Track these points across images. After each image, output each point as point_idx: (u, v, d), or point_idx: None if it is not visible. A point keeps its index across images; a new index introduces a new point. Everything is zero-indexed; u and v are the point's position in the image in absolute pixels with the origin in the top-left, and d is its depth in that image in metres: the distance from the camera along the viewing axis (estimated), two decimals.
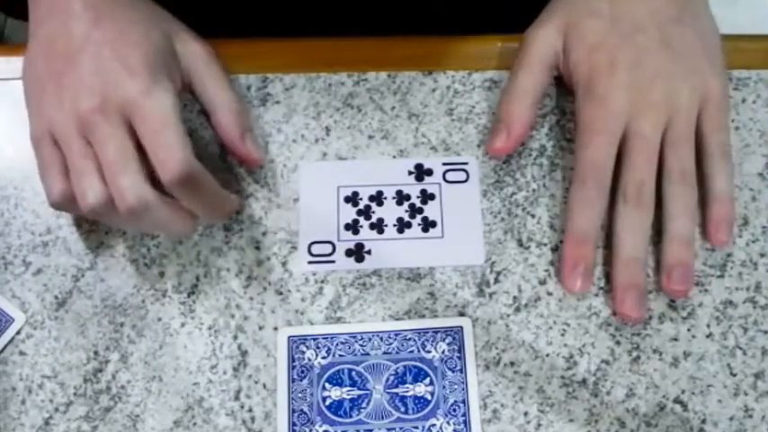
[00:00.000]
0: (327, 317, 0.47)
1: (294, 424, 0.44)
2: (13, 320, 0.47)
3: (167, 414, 0.45)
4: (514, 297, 0.47)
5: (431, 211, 0.49)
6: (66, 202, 0.44)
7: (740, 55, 0.52)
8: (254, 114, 0.51)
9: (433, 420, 0.44)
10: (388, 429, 0.44)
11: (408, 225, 0.48)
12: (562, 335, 0.46)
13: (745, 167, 0.50)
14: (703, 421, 0.44)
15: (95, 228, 0.49)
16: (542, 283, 0.47)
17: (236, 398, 0.45)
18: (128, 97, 0.43)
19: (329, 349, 0.46)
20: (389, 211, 0.49)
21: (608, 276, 0.47)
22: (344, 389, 0.45)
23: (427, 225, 0.48)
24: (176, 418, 0.45)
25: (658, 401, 0.45)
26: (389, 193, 0.49)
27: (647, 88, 0.46)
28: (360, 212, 0.49)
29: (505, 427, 0.44)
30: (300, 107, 0.51)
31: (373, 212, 0.49)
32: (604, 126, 0.46)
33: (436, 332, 0.46)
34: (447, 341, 0.46)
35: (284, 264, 0.48)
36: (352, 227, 0.48)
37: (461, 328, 0.46)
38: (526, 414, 0.44)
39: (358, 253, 0.48)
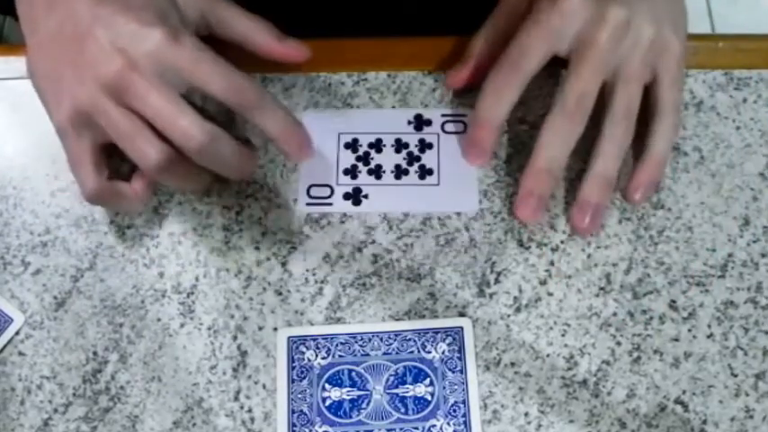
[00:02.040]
0: (327, 317, 0.47)
1: (294, 425, 0.44)
2: (12, 321, 0.47)
3: (167, 415, 0.45)
4: (515, 297, 0.47)
5: (428, 159, 0.50)
6: (102, 196, 0.44)
7: (740, 55, 0.52)
8: None
9: (433, 421, 0.44)
10: (389, 430, 0.44)
11: (406, 172, 0.49)
12: (563, 335, 0.46)
13: (746, 167, 0.50)
14: (704, 422, 0.44)
15: (95, 228, 0.48)
16: (543, 283, 0.47)
17: (236, 398, 0.45)
18: (154, 47, 0.42)
19: (329, 350, 0.46)
20: (388, 158, 0.50)
21: (608, 277, 0.47)
22: (344, 389, 0.45)
23: (424, 173, 0.49)
24: (176, 419, 0.45)
25: (659, 402, 0.45)
26: (388, 141, 0.50)
27: (610, 5, 0.44)
28: (359, 158, 0.50)
29: (506, 428, 0.44)
30: (300, 107, 0.51)
31: (372, 159, 0.50)
32: (548, 20, 0.45)
33: (436, 333, 0.46)
34: (447, 342, 0.46)
35: (284, 264, 0.48)
36: (351, 172, 0.49)
37: (461, 328, 0.46)
38: (526, 415, 0.44)
39: (355, 197, 0.49)
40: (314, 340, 0.46)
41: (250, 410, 0.45)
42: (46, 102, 0.45)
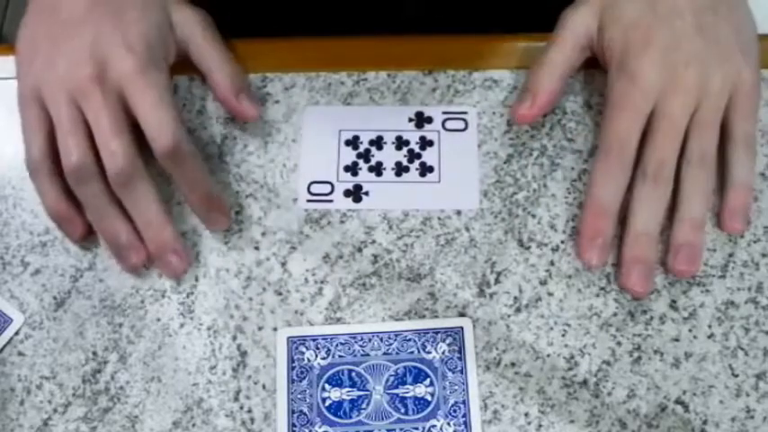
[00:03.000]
0: (327, 317, 0.46)
1: (294, 425, 0.44)
2: (12, 321, 0.47)
3: (166, 415, 0.45)
4: (515, 297, 0.47)
5: (429, 157, 0.50)
6: (41, 165, 0.46)
7: None
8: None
9: (433, 421, 0.44)
10: (389, 430, 0.44)
11: (406, 169, 0.49)
12: (563, 335, 0.46)
13: None
14: (705, 422, 0.44)
15: (94, 228, 0.48)
16: (543, 283, 0.47)
17: (236, 399, 0.45)
18: (124, 72, 0.45)
19: (329, 350, 0.45)
20: (388, 156, 0.50)
21: (608, 277, 0.47)
22: (344, 390, 0.45)
23: (425, 170, 0.49)
24: (175, 419, 0.45)
25: (659, 402, 0.45)
26: (389, 139, 0.50)
27: (679, 70, 0.45)
28: (359, 155, 0.50)
29: (506, 428, 0.44)
30: (300, 107, 0.51)
31: (372, 156, 0.50)
32: (633, 103, 0.46)
33: (436, 333, 0.46)
34: (447, 342, 0.45)
35: (284, 264, 0.48)
36: (352, 169, 0.49)
37: (462, 328, 0.46)
38: (527, 415, 0.44)
39: (356, 194, 0.49)
40: (314, 340, 0.46)
41: (250, 411, 0.45)
42: (19, 64, 0.47)
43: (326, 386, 0.45)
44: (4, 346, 0.46)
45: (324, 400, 0.44)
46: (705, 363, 0.45)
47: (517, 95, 0.50)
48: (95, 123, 0.44)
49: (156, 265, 0.47)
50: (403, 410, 0.44)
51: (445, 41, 0.53)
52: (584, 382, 0.45)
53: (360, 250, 0.48)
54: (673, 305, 0.46)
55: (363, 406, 0.44)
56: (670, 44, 0.46)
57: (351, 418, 0.44)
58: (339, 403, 0.44)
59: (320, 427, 0.44)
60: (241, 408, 0.45)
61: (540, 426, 0.44)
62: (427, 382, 0.45)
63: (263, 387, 0.45)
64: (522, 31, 0.53)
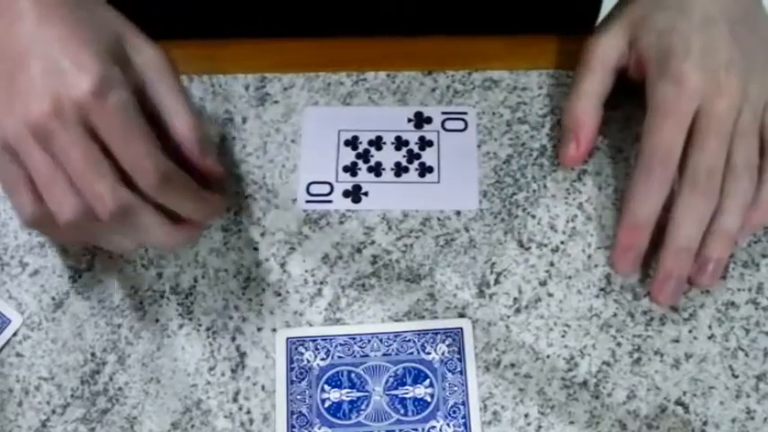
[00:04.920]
0: (326, 318, 0.46)
1: (293, 426, 0.44)
2: (10, 322, 0.46)
3: (165, 416, 0.45)
4: (515, 298, 0.47)
5: (428, 157, 0.50)
6: (40, 222, 0.42)
7: None
8: (253, 114, 0.51)
9: (432, 422, 0.44)
10: (388, 431, 0.44)
11: (406, 170, 0.49)
12: (563, 336, 0.46)
13: None
14: (705, 423, 0.44)
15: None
16: (543, 284, 0.47)
17: (235, 400, 0.45)
18: (82, 97, 0.39)
19: (328, 351, 0.45)
20: (388, 156, 0.50)
21: (609, 277, 0.47)
22: (344, 391, 0.45)
23: (424, 170, 0.49)
24: (174, 420, 0.45)
25: (660, 403, 0.44)
26: (389, 139, 0.50)
27: (721, 72, 0.45)
28: (359, 156, 0.50)
29: (506, 429, 0.44)
30: (299, 107, 0.51)
31: (372, 156, 0.50)
32: (677, 107, 0.45)
33: (436, 333, 0.46)
34: (447, 342, 0.45)
35: (283, 265, 0.48)
36: (351, 169, 0.49)
37: (461, 329, 0.46)
38: (527, 416, 0.44)
39: (355, 194, 0.49)
40: (313, 341, 0.45)
41: (249, 412, 0.45)
42: None
43: (326, 387, 0.45)
44: (3, 346, 0.46)
45: (323, 401, 0.44)
46: (705, 364, 0.45)
47: (559, 137, 0.49)
48: (69, 167, 0.40)
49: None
50: (402, 411, 0.44)
51: (445, 41, 0.53)
52: (584, 383, 0.45)
53: (359, 251, 0.48)
54: (673, 306, 0.46)
55: (363, 407, 0.44)
56: (708, 48, 0.45)
57: (350, 419, 0.44)
58: (338, 404, 0.44)
59: (319, 428, 0.44)
60: (240, 409, 0.45)
61: (540, 427, 0.44)
62: (427, 382, 0.45)
63: (263, 388, 0.45)
64: (522, 32, 0.53)
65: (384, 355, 0.45)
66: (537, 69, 0.52)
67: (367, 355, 0.45)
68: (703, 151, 0.44)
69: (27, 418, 0.45)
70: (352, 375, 0.45)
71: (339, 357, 0.45)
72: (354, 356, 0.45)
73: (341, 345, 0.45)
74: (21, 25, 0.41)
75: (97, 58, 0.40)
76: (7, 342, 0.46)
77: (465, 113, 0.51)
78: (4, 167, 0.41)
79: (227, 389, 0.45)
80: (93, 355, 0.46)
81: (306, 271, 0.47)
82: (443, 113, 0.51)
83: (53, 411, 0.45)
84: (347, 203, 0.49)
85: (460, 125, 0.50)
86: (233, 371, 0.46)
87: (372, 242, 0.48)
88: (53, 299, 0.47)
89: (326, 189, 0.49)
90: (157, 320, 0.47)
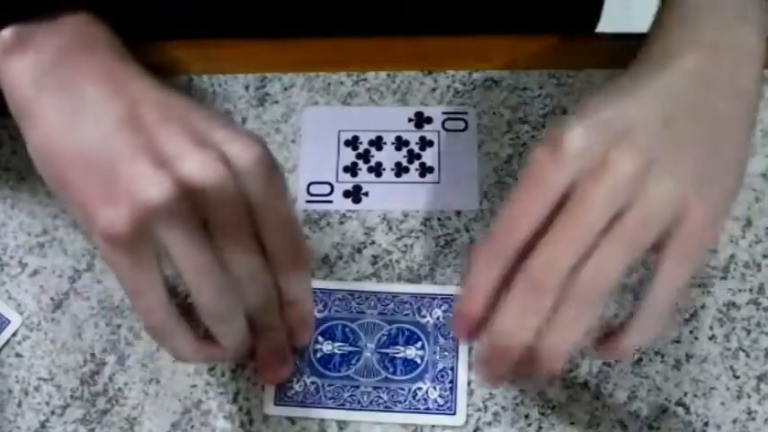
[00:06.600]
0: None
1: None
2: (9, 322, 0.46)
3: (165, 417, 0.45)
4: None
5: (429, 157, 0.50)
6: (176, 320, 0.38)
7: None
8: (253, 114, 0.51)
9: (419, 383, 0.44)
10: (375, 388, 0.44)
11: (406, 170, 0.49)
12: None
13: (748, 168, 0.49)
14: (706, 424, 0.44)
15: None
16: None
17: (234, 400, 0.45)
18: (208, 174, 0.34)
19: (326, 304, 0.46)
20: (388, 156, 0.50)
21: None
22: (336, 344, 0.45)
23: (424, 170, 0.49)
24: (174, 421, 0.44)
25: (660, 404, 0.44)
26: (389, 139, 0.50)
27: (620, 144, 0.35)
28: (359, 156, 0.50)
29: (506, 430, 0.44)
30: (299, 107, 0.51)
31: (372, 156, 0.50)
32: (543, 175, 0.36)
33: (433, 298, 0.46)
34: (443, 308, 0.46)
35: None
36: (351, 169, 0.49)
37: (458, 296, 0.45)
38: (527, 417, 0.44)
39: (355, 194, 0.49)
40: (312, 293, 0.45)
41: (249, 412, 0.45)
42: (71, 202, 0.37)
43: (320, 338, 0.45)
44: (2, 347, 0.46)
45: (315, 351, 0.45)
46: (706, 364, 0.45)
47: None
48: (181, 261, 0.36)
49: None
50: (391, 370, 0.44)
51: (445, 41, 0.53)
52: (585, 384, 0.45)
53: (359, 251, 0.48)
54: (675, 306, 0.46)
55: (353, 361, 0.45)
56: (618, 118, 0.36)
57: (339, 371, 0.45)
58: (330, 356, 0.45)
59: (308, 378, 0.44)
60: (240, 409, 0.45)
61: (541, 428, 0.44)
62: (419, 344, 0.45)
63: (263, 389, 0.45)
64: (523, 31, 0.53)
65: (380, 313, 0.46)
66: (538, 69, 0.52)
67: (363, 312, 0.46)
68: (546, 246, 0.35)
69: (26, 419, 0.45)
70: (347, 330, 0.45)
71: (336, 311, 0.46)
72: (351, 312, 0.46)
73: (339, 299, 0.46)
74: (138, 95, 0.37)
75: (206, 131, 0.37)
76: (6, 342, 0.46)
77: (465, 113, 0.51)
78: (123, 271, 0.36)
79: (226, 389, 0.45)
80: (92, 355, 0.46)
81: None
82: (444, 113, 0.51)
83: (52, 412, 0.45)
84: (347, 204, 0.49)
85: (461, 125, 0.50)
86: (233, 371, 0.45)
87: (373, 242, 0.48)
88: (52, 299, 0.47)
89: (327, 189, 0.49)
90: None
